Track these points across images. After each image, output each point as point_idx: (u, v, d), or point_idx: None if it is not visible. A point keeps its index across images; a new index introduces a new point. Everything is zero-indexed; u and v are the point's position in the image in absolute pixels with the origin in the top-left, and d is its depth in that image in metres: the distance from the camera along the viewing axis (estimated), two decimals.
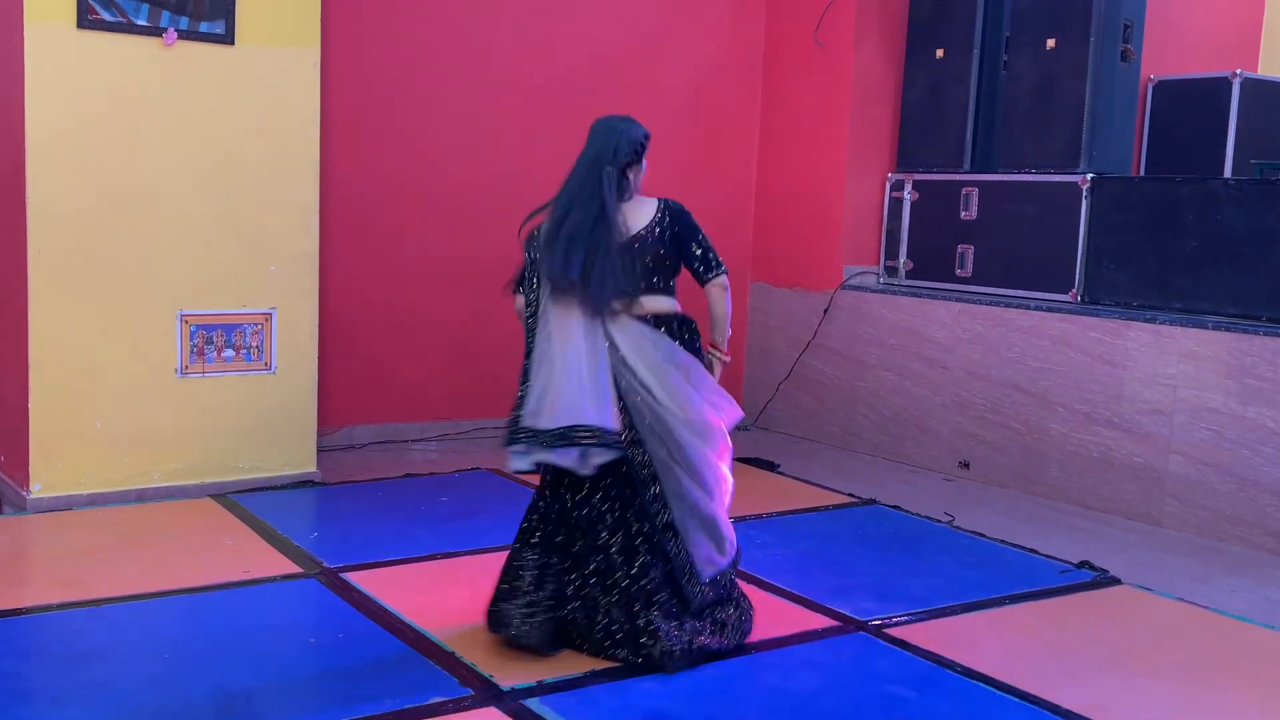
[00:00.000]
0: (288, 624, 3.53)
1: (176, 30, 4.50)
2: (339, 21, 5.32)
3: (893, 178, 6.14)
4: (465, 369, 5.86)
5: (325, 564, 3.95)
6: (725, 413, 3.29)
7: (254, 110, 4.71)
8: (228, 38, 4.60)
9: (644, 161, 3.34)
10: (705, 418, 3.24)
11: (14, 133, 4.40)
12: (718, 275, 3.37)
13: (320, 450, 5.15)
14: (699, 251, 3.34)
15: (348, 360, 5.53)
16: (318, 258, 4.94)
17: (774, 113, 6.54)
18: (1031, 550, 4.43)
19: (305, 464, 4.96)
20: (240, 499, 4.66)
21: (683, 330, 3.32)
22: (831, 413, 6.17)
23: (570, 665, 3.20)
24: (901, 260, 6.07)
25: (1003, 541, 4.53)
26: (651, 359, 3.20)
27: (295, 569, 3.90)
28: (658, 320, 3.28)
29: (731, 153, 6.56)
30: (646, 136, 3.33)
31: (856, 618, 3.64)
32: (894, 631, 3.55)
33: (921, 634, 3.53)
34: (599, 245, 3.17)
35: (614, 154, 3.22)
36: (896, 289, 5.99)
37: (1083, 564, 4.26)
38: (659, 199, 3.36)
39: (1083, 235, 5.26)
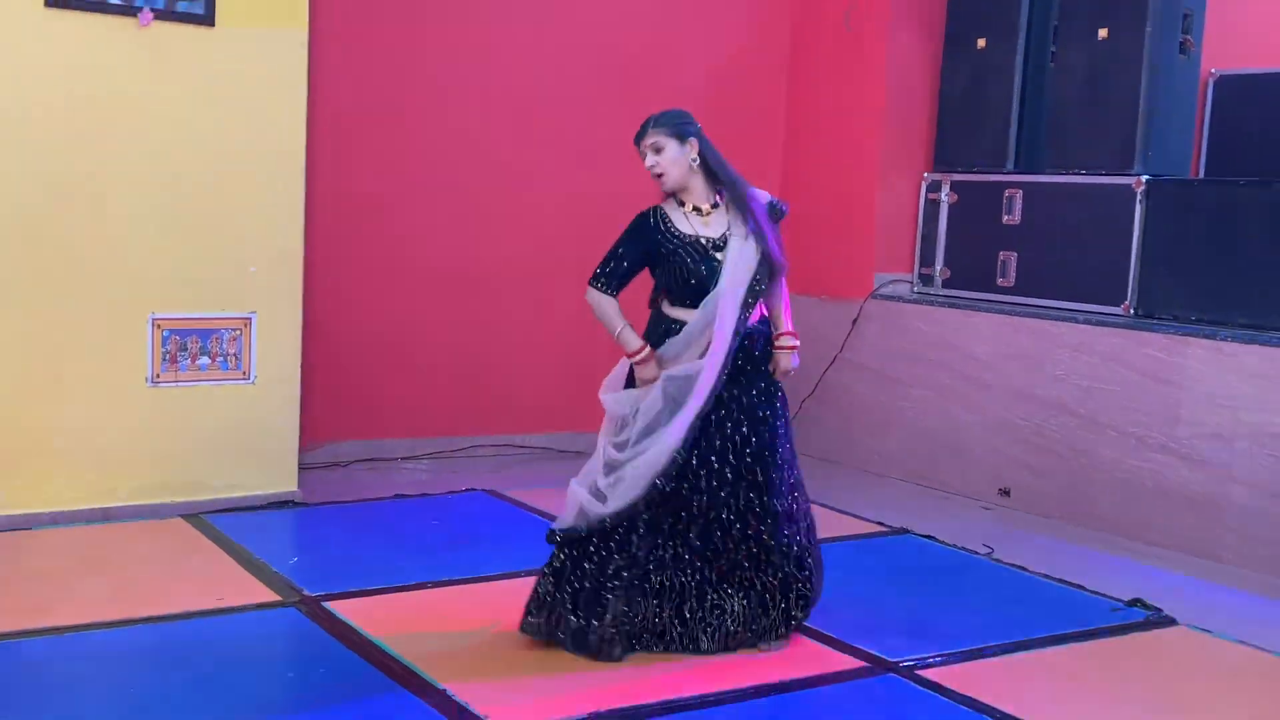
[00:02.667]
0: (264, 657, 3.54)
1: (152, 10, 4.53)
2: (328, 0, 5.34)
3: (929, 178, 6.16)
4: (462, 381, 5.86)
5: (306, 592, 3.95)
6: None
7: (235, 97, 4.74)
8: (207, 18, 4.64)
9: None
10: None
11: None
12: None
13: (302, 468, 5.16)
14: None
15: (333, 370, 5.54)
16: (302, 258, 4.95)
17: (800, 106, 6.56)
18: (1078, 586, 4.43)
19: (285, 483, 4.97)
20: (214, 520, 4.67)
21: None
22: (859, 434, 6.17)
23: (572, 704, 3.20)
24: (938, 268, 6.09)
25: (1046, 576, 4.53)
26: None
27: (273, 597, 3.91)
28: None
29: (754, 149, 6.53)
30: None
31: (886, 658, 3.64)
32: (927, 673, 3.55)
33: (957, 677, 3.52)
34: None
35: None
36: (932, 299, 6.00)
37: (1134, 602, 4.25)
38: None
39: (1137, 243, 5.27)
